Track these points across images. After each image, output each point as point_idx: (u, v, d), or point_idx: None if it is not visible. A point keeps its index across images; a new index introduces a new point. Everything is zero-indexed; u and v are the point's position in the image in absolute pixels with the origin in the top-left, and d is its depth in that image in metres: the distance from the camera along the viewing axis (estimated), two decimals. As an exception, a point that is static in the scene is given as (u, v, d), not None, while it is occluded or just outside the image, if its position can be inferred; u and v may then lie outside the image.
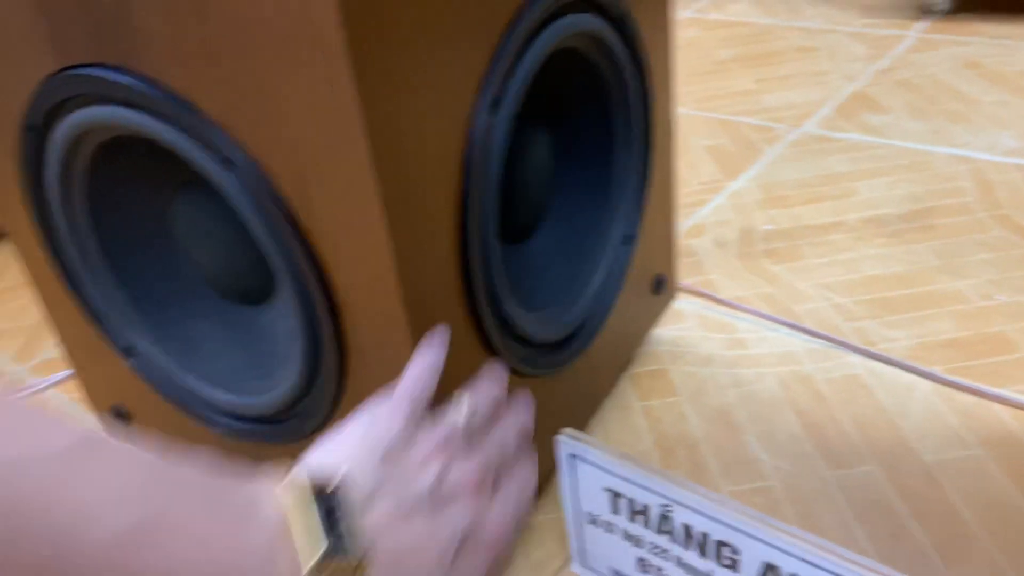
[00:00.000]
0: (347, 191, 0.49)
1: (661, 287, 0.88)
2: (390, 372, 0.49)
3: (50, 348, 1.17)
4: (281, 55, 0.46)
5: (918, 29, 1.80)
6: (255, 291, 0.66)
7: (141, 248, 0.68)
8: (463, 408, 0.45)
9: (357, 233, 0.50)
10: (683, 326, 0.98)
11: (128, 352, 0.72)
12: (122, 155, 0.62)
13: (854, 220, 1.14)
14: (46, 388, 1.07)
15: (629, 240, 0.78)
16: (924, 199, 1.17)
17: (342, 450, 0.39)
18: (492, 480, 0.43)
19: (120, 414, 0.80)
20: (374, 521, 0.37)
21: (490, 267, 0.59)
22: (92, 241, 0.66)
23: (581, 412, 0.81)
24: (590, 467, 0.61)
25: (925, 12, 1.88)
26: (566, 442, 0.61)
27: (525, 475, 0.45)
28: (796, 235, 1.13)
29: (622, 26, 0.69)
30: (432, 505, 0.39)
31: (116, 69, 0.53)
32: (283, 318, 0.63)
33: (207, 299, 0.69)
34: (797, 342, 0.93)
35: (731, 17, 2.03)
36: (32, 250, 0.73)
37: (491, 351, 0.61)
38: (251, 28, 0.46)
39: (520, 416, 0.48)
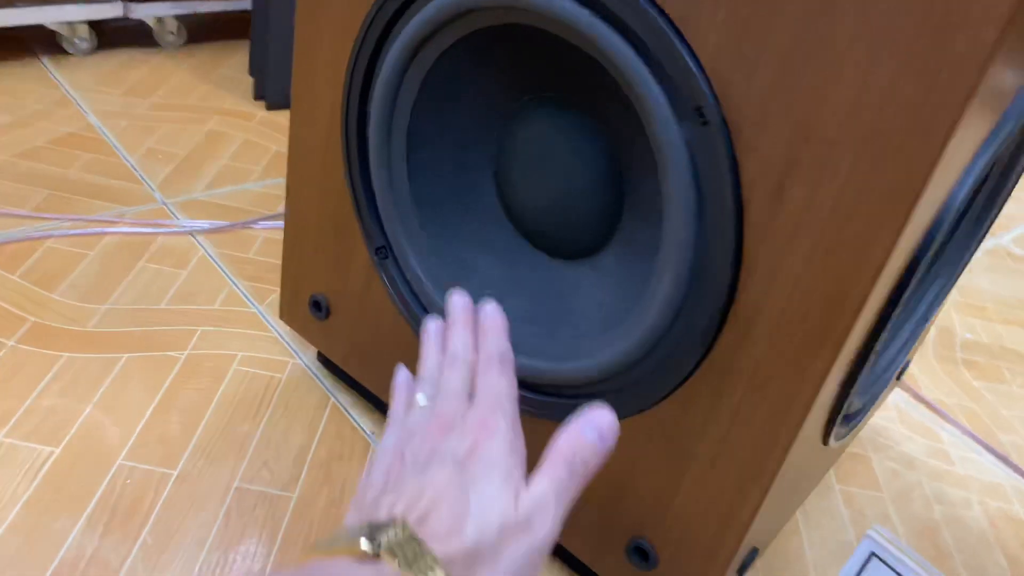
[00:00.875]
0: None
1: (903, 370, 0.81)
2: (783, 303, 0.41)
3: (199, 188, 1.07)
4: None
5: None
6: (569, 241, 0.57)
7: (445, 162, 0.59)
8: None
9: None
10: (886, 415, 0.91)
11: (381, 252, 0.63)
12: (473, 58, 0.53)
13: (1058, 360, 1.07)
14: (191, 232, 0.98)
15: (925, 320, 0.70)
16: None
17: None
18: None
19: (318, 306, 0.72)
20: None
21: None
22: (401, 139, 0.57)
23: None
24: (888, 572, 0.54)
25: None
26: (874, 540, 0.53)
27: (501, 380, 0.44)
28: (997, 354, 1.05)
29: None
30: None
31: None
32: (606, 274, 0.55)
33: (500, 235, 0.60)
34: (1002, 474, 0.86)
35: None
36: (315, 116, 0.64)
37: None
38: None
39: (491, 341, 0.47)
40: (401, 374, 0.49)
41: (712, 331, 0.47)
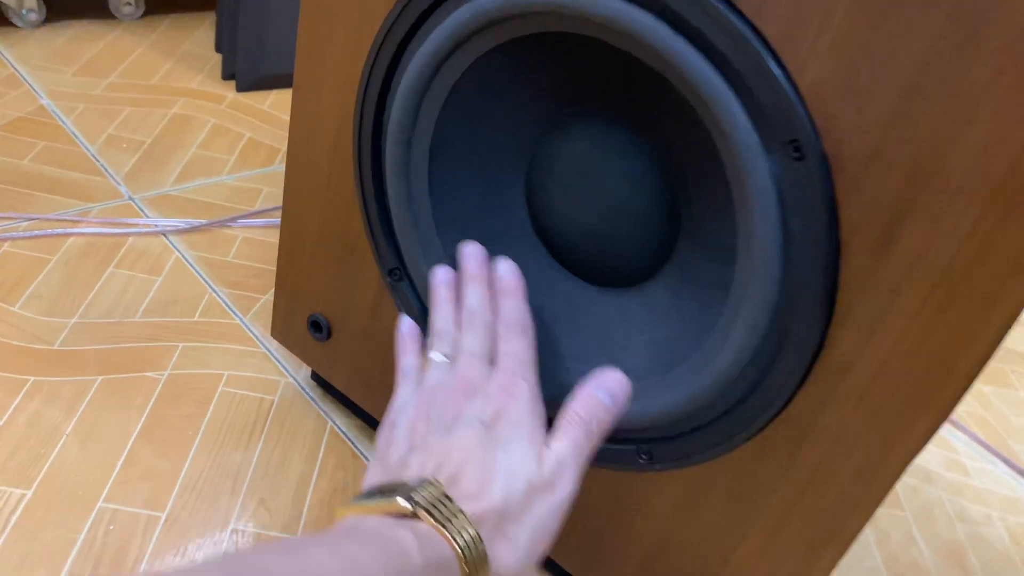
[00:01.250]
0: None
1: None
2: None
3: (168, 181, 0.99)
4: None
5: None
6: (612, 269, 0.52)
7: (472, 177, 0.53)
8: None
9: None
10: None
11: (395, 274, 0.57)
12: (511, 65, 0.47)
13: (1059, 361, 1.06)
14: (164, 232, 0.90)
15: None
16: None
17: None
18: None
19: (318, 326, 0.65)
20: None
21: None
22: (422, 151, 0.51)
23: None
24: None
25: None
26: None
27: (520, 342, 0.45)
28: (1002, 357, 1.03)
29: None
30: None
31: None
32: (655, 308, 0.50)
33: (532, 258, 0.54)
34: (1019, 487, 0.84)
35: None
36: (321, 121, 0.57)
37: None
38: None
39: (509, 305, 0.47)
40: (405, 324, 0.50)
41: (793, 385, 0.42)
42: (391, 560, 0.32)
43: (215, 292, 0.83)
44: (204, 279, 0.84)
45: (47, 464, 0.62)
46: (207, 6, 1.47)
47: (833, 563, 0.45)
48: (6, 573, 0.55)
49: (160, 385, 0.71)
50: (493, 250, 0.54)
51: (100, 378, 0.70)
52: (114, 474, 0.63)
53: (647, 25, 0.40)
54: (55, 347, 0.73)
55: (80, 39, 1.30)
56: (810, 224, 0.38)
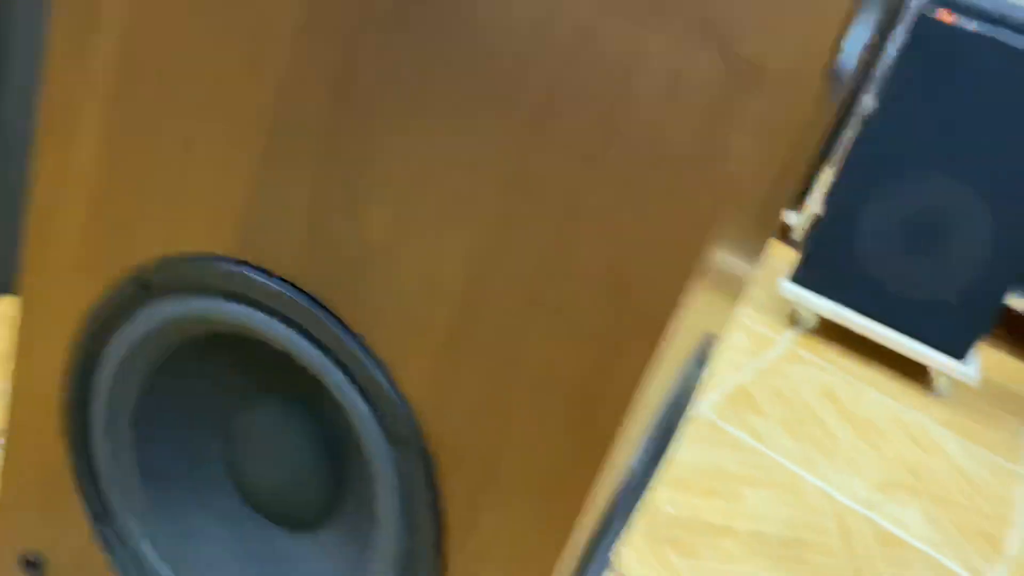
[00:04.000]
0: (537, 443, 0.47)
1: (609, 575, 0.90)
2: None
3: None
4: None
5: (787, 338, 2.04)
6: (292, 515, 0.60)
7: (174, 437, 0.61)
8: None
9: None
10: (599, 604, 1.00)
11: (99, 518, 0.62)
12: (200, 355, 0.57)
13: (742, 530, 1.24)
14: None
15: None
16: (799, 527, 1.30)
17: None
18: None
19: (31, 564, 0.68)
20: None
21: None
22: (126, 415, 0.59)
23: None
24: None
25: (793, 322, 2.14)
26: None
27: None
28: (695, 528, 1.20)
29: (703, 366, 0.74)
30: None
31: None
32: (326, 550, 0.58)
33: (230, 507, 0.62)
34: (696, 655, 0.98)
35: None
36: (36, 371, 0.63)
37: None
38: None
39: None
40: None
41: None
42: None
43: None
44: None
45: None
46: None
47: None
48: None
49: None
50: (194, 499, 0.62)
51: None
52: None
53: (297, 343, 0.50)
54: None
55: None
56: (420, 503, 0.49)
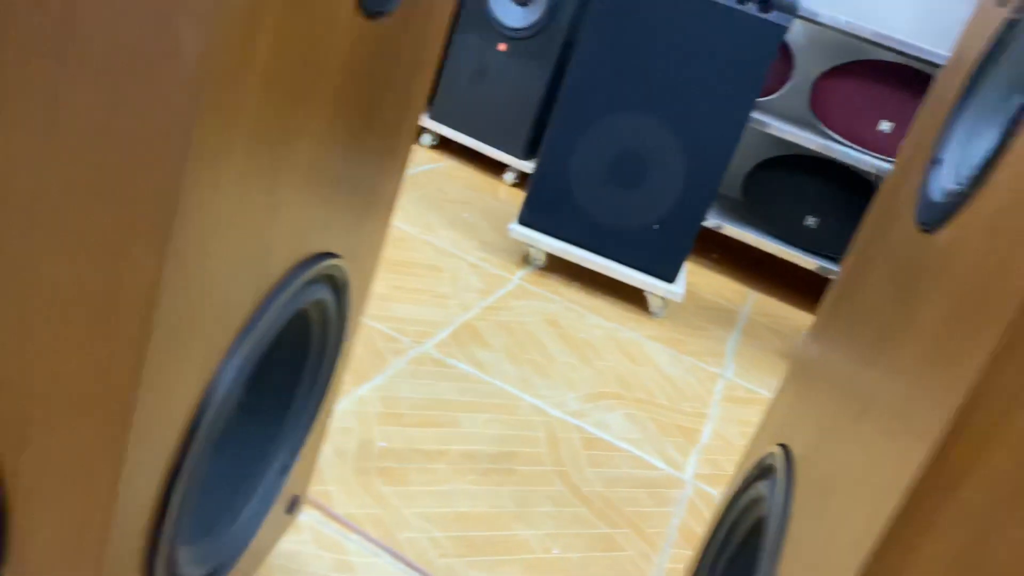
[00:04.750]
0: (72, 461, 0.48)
1: (295, 507, 0.93)
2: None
3: None
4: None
5: (519, 276, 2.15)
6: None
7: None
8: None
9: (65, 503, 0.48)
10: (299, 538, 1.02)
11: None
12: None
13: (455, 452, 1.31)
14: None
15: (286, 470, 0.83)
16: (510, 442, 1.39)
17: None
18: None
19: None
20: None
21: (179, 515, 0.59)
22: None
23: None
24: None
25: (526, 262, 2.26)
26: None
27: None
28: (407, 457, 1.25)
29: (341, 293, 0.77)
30: None
31: None
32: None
33: None
34: (402, 570, 1.03)
35: (374, 212, 2.21)
36: None
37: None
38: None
39: None
40: None
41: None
42: None
43: None
44: None
45: None
46: None
47: None
48: None
49: None
50: None
51: None
52: None
53: None
54: None
55: None
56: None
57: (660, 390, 1.80)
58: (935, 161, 0.55)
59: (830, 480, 0.49)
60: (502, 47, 2.76)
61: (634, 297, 2.28)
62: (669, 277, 2.20)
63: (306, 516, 1.06)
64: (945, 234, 0.48)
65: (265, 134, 0.48)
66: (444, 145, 3.05)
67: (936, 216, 0.51)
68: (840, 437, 0.51)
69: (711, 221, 2.71)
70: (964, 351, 0.38)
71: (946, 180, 0.52)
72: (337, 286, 0.75)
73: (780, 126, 2.60)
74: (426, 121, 2.94)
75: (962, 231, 0.46)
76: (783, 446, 0.64)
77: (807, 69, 2.87)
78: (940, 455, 0.36)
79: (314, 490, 1.11)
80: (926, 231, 0.52)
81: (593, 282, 2.28)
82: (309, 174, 0.59)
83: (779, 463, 0.62)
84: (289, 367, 0.79)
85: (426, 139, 3.00)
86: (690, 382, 1.90)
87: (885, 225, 0.66)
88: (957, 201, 0.48)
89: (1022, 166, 0.41)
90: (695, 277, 2.65)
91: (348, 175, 0.67)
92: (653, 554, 1.24)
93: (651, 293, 2.20)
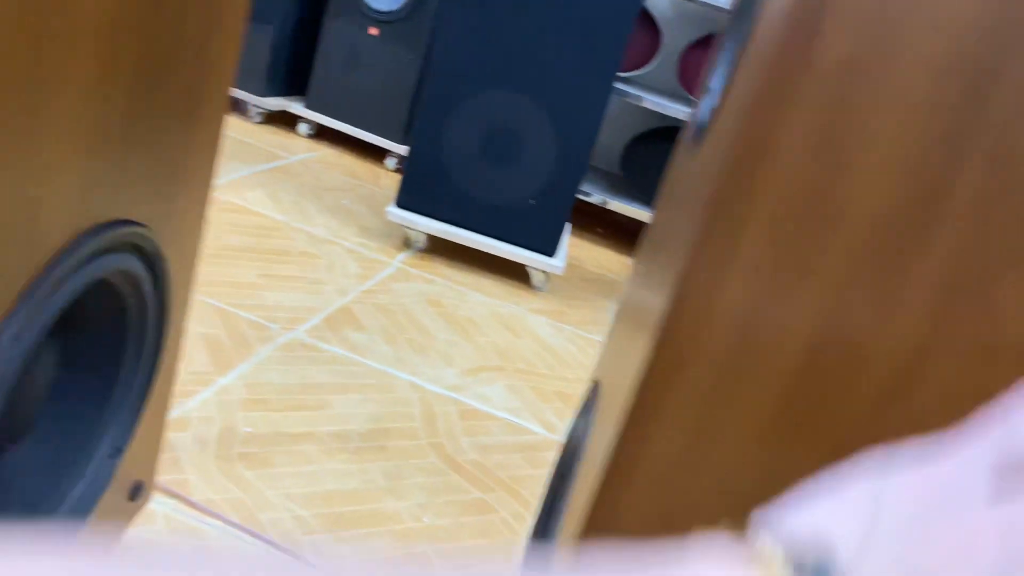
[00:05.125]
0: None
1: (138, 494, 0.90)
2: None
3: None
4: None
5: (400, 260, 2.14)
6: None
7: None
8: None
9: None
10: (152, 528, 0.99)
11: None
12: None
13: (324, 433, 1.30)
14: None
15: (118, 453, 0.80)
16: (383, 420, 1.39)
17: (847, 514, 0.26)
18: None
19: None
20: None
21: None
22: None
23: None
24: None
25: (407, 245, 2.25)
26: None
27: None
28: (271, 441, 1.24)
29: (154, 264, 0.75)
30: None
31: None
32: None
33: None
34: (261, 552, 1.01)
35: (245, 203, 2.16)
36: None
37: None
38: None
39: None
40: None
41: None
42: None
43: None
44: None
45: None
46: None
47: None
48: None
49: None
50: None
51: None
52: None
53: None
54: None
55: None
56: None
57: (540, 360, 1.82)
58: (705, 89, 0.58)
59: (610, 399, 0.51)
60: (373, 31, 2.73)
61: (517, 273, 2.30)
62: (549, 251, 2.23)
63: (159, 505, 1.04)
64: (704, 146, 0.51)
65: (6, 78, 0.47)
66: (323, 134, 3.00)
67: (701, 133, 0.53)
68: (623, 356, 0.53)
69: (595, 197, 2.76)
70: (684, 242, 0.40)
71: (711, 102, 0.55)
72: (147, 256, 0.73)
73: (652, 99, 2.66)
74: (302, 110, 2.89)
75: (709, 140, 0.48)
76: (595, 382, 0.66)
77: (675, 42, 2.94)
78: (664, 339, 0.37)
79: (170, 479, 1.08)
80: (696, 148, 0.55)
81: (476, 261, 2.29)
82: (82, 132, 0.57)
83: (589, 398, 0.64)
84: (108, 345, 0.77)
85: (303, 128, 2.95)
86: (571, 350, 1.93)
87: (681, 159, 0.69)
88: (714, 117, 0.51)
89: (743, 79, 0.43)
90: (580, 251, 2.69)
91: (139, 138, 0.66)
92: (527, 513, 1.26)
93: (533, 268, 2.23)
